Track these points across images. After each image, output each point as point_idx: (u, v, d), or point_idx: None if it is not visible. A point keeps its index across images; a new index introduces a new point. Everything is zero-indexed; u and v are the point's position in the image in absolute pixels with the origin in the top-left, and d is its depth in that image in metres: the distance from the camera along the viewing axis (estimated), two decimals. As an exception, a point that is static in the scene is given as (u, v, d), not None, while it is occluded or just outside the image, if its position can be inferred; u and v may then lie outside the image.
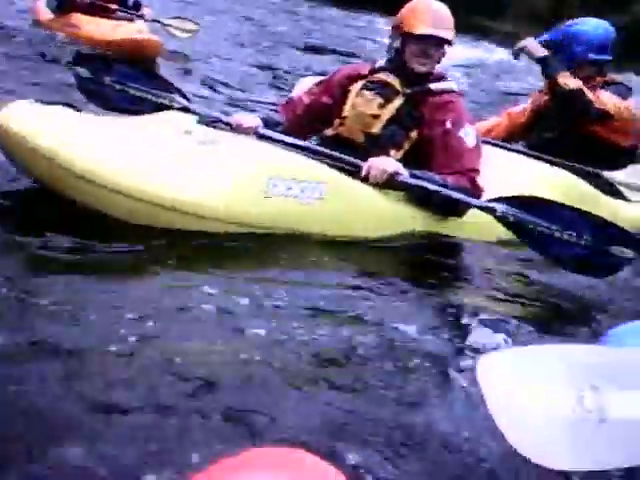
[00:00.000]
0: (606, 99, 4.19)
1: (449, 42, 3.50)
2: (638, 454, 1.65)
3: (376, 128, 3.49)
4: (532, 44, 4.35)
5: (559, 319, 2.92)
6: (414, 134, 3.46)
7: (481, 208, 3.22)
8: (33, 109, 2.98)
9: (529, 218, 3.08)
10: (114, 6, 7.79)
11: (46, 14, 7.80)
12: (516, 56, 4.49)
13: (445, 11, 3.53)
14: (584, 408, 1.59)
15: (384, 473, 1.66)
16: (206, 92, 6.33)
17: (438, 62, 3.55)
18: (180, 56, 8.08)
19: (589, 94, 4.15)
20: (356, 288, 2.75)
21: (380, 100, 3.51)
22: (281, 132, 3.55)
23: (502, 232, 3.30)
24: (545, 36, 4.44)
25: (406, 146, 3.47)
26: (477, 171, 3.39)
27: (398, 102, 3.49)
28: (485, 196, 3.36)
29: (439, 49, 3.50)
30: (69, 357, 1.91)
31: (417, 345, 2.32)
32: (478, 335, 2.44)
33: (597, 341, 2.17)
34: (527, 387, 1.61)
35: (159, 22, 8.13)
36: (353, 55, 10.74)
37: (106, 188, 2.77)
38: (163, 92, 3.63)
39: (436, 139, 3.42)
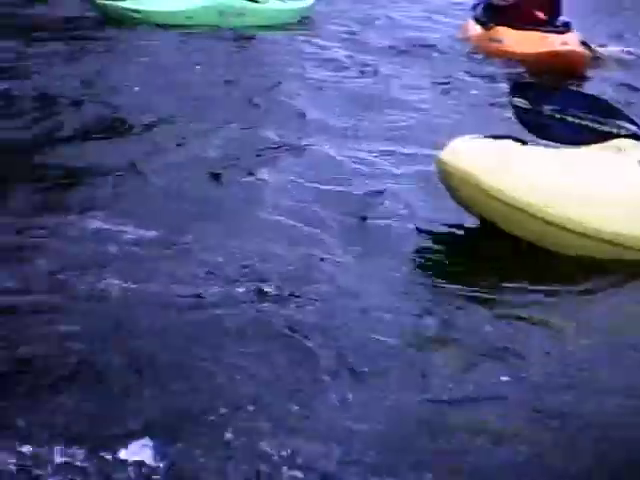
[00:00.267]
0: None
1: None
2: None
3: None
4: None
5: None
6: None
7: None
8: (478, 145, 2.95)
9: None
10: (542, 16, 7.52)
11: (474, 30, 8.05)
12: None
13: None
14: None
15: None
16: None
17: None
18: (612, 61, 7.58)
19: None
20: None
21: None
22: None
23: None
24: None
25: None
26: None
27: None
28: None
29: None
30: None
31: None
32: None
33: None
34: None
35: (587, 45, 7.57)
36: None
37: (556, 226, 2.73)
38: (608, 118, 3.40)
39: None
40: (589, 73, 7.09)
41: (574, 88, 4.28)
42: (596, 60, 7.60)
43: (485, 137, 2.95)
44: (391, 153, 4.20)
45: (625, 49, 8.03)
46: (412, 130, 4.57)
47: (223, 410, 2.14)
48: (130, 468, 1.90)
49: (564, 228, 2.66)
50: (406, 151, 4.11)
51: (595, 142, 3.26)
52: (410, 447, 2.04)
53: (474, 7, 8.17)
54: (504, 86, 5.86)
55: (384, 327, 2.55)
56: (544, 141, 3.47)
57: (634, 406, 2.23)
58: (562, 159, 2.94)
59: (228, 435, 2.03)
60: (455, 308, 2.68)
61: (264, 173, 3.84)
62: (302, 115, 5.04)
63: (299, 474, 1.91)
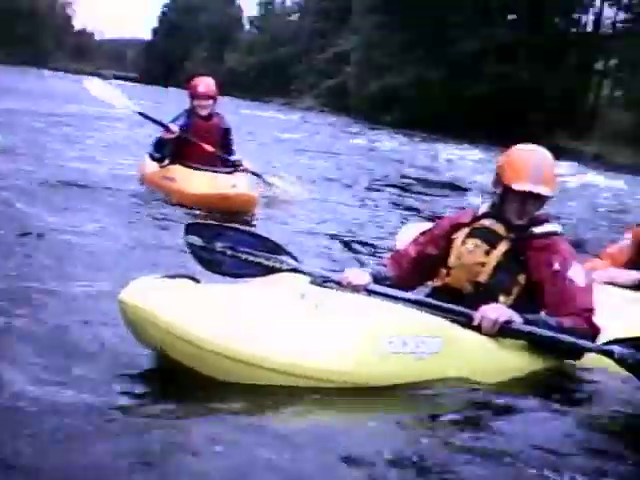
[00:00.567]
0: None
1: (549, 197, 3.52)
2: None
3: (483, 276, 3.50)
4: None
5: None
6: (522, 279, 3.47)
7: (598, 352, 3.20)
8: (156, 285, 3.03)
9: None
10: (211, 149, 7.65)
11: (150, 167, 7.91)
12: None
13: (545, 164, 3.54)
14: None
15: None
16: (309, 243, 6.29)
17: (535, 213, 3.56)
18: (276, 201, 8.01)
19: None
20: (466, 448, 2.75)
21: (485, 247, 3.52)
22: (390, 285, 3.60)
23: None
24: None
25: (515, 292, 3.47)
26: (592, 310, 3.35)
27: (503, 248, 3.50)
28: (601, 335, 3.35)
29: (537, 203, 3.52)
30: None
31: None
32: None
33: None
34: None
35: (261, 177, 8.10)
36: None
37: (227, 358, 2.82)
38: (272, 255, 3.74)
39: (546, 281, 3.42)
40: (259, 212, 7.40)
41: (243, 227, 4.45)
42: (269, 188, 8.14)
43: (163, 277, 3.08)
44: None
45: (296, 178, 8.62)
46: (86, 275, 4.35)
47: None
48: None
49: (232, 359, 2.81)
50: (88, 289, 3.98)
51: (262, 275, 3.62)
52: None
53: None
54: (174, 224, 6.13)
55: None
56: (220, 277, 3.76)
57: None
58: (231, 295, 3.15)
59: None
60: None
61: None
62: None
63: None
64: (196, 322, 2.85)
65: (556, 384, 3.41)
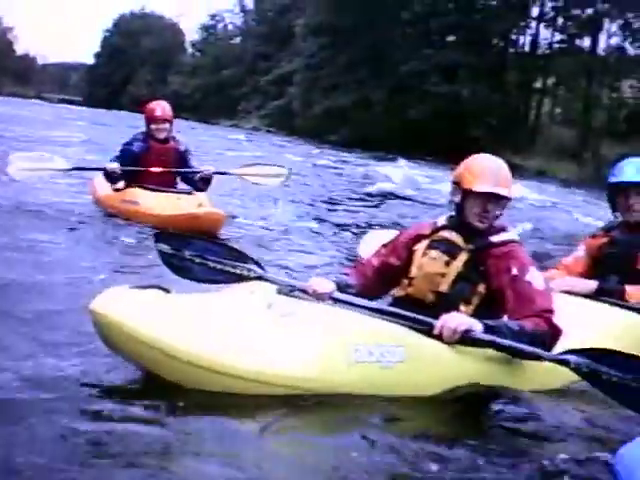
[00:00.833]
0: None
1: (508, 199, 3.63)
2: None
3: (444, 286, 3.59)
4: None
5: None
6: (482, 288, 3.56)
7: (555, 361, 3.28)
8: (126, 294, 3.07)
9: (603, 369, 3.12)
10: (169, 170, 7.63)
11: (104, 191, 7.74)
12: None
13: (504, 169, 3.67)
14: None
15: None
16: (273, 256, 6.37)
17: (496, 218, 3.67)
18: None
19: None
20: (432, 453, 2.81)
21: (445, 258, 3.61)
22: (354, 294, 3.68)
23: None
24: None
25: (476, 300, 3.56)
26: (552, 311, 3.44)
27: (463, 258, 3.60)
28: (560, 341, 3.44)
29: (498, 206, 3.63)
30: None
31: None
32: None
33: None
34: None
35: (227, 173, 8.07)
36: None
37: (196, 366, 2.89)
38: (239, 263, 3.84)
39: (505, 287, 3.51)
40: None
41: (210, 238, 4.78)
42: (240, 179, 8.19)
43: (133, 287, 3.13)
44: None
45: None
46: (57, 292, 4.40)
47: None
48: None
49: (203, 367, 2.89)
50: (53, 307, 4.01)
51: (231, 282, 3.76)
52: None
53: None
54: (139, 242, 6.26)
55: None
56: (191, 287, 3.84)
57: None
58: (200, 304, 3.21)
59: None
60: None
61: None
62: None
63: None
64: (165, 331, 2.91)
65: (517, 388, 3.48)
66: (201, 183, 7.77)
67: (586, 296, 4.36)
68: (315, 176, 16.82)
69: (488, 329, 3.32)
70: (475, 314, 3.48)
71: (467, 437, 2.99)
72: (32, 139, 15.62)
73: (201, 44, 79.62)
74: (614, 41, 39.86)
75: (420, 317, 3.39)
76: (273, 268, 4.35)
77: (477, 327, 3.31)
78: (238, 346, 2.96)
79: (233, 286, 3.66)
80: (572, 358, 3.20)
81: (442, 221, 3.81)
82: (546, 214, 12.63)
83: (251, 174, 8.24)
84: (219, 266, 3.86)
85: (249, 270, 3.82)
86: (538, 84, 42.33)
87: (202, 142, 17.70)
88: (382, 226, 8.49)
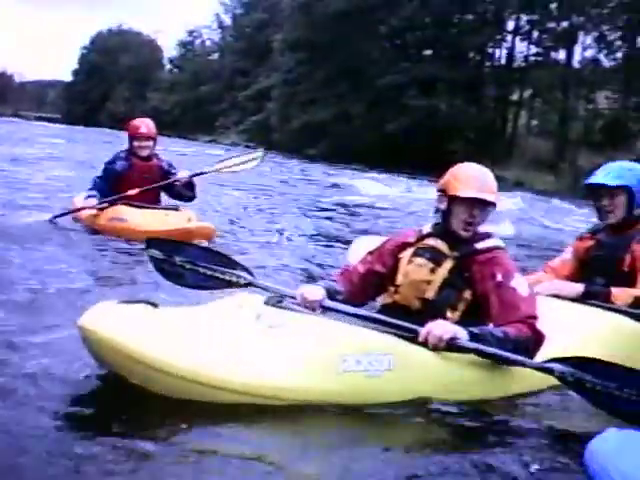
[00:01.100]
0: None
1: (493, 204, 3.68)
2: None
3: (430, 293, 3.63)
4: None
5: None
6: (467, 294, 3.60)
7: (539, 369, 3.31)
8: (114, 310, 3.08)
9: (587, 377, 3.15)
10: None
11: (86, 210, 7.50)
12: None
13: (489, 175, 3.73)
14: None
15: None
16: (260, 264, 6.30)
17: (481, 223, 3.71)
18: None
19: None
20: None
21: (430, 265, 3.65)
22: (341, 300, 3.71)
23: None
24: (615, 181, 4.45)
25: (461, 307, 3.60)
26: (536, 317, 3.47)
27: (448, 265, 3.64)
28: (545, 346, 3.48)
29: (483, 212, 3.67)
30: None
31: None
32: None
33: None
34: None
35: (204, 172, 7.91)
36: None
37: (185, 380, 2.90)
38: (229, 269, 3.89)
39: (490, 293, 3.54)
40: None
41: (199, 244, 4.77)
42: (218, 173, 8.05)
43: (121, 302, 3.14)
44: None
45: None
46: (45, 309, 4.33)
47: None
48: None
49: (192, 381, 2.89)
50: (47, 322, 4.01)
51: (221, 288, 3.83)
52: None
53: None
54: (126, 256, 6.23)
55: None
56: (177, 298, 3.91)
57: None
58: (188, 318, 3.23)
59: None
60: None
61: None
62: None
63: None
64: (154, 345, 2.91)
65: (503, 393, 3.53)
66: (186, 190, 7.70)
67: (573, 300, 4.38)
68: (293, 188, 16.96)
69: (473, 337, 3.34)
70: (461, 320, 3.52)
71: (455, 443, 3.02)
72: (7, 158, 15.43)
73: (179, 60, 79.65)
74: (589, 53, 40.35)
75: (406, 324, 3.41)
76: (260, 275, 4.33)
77: (462, 335, 3.33)
78: (227, 359, 2.97)
79: (221, 298, 3.64)
80: (556, 367, 3.23)
81: (427, 229, 3.85)
82: (523, 222, 12.74)
83: (227, 166, 8.06)
84: (209, 272, 3.89)
85: (238, 277, 3.86)
86: (515, 96, 42.71)
87: (183, 158, 17.64)
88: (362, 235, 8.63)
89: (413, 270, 3.69)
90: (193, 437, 2.78)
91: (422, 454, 2.90)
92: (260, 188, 15.13)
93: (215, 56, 75.18)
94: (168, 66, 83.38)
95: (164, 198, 7.90)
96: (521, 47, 43.15)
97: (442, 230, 3.74)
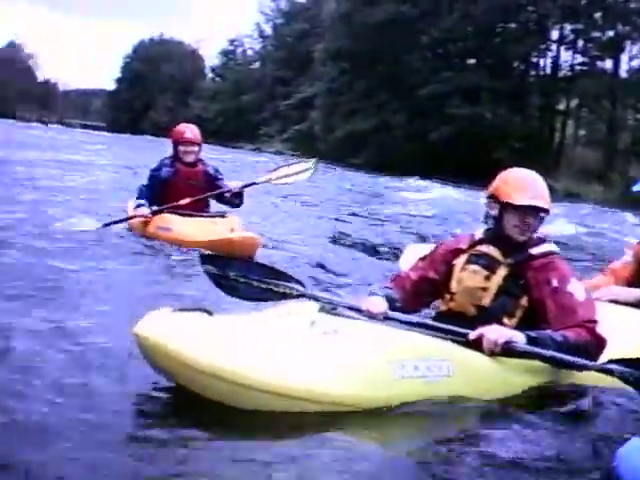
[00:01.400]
0: None
1: (547, 211, 3.63)
2: None
3: (486, 300, 3.60)
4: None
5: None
6: (524, 301, 3.56)
7: (599, 370, 3.28)
8: (170, 317, 3.10)
9: None
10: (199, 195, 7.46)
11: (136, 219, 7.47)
12: None
13: (541, 182, 3.67)
14: None
15: None
16: (310, 274, 6.23)
17: (535, 230, 3.66)
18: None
19: None
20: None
21: (485, 272, 3.63)
22: (396, 307, 3.72)
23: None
24: None
25: (518, 314, 3.56)
26: (595, 321, 3.42)
27: (503, 272, 3.61)
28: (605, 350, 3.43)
29: (537, 218, 3.63)
30: None
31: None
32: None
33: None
34: None
35: (256, 183, 7.76)
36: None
37: (241, 386, 2.89)
38: (281, 281, 3.93)
39: (546, 299, 3.50)
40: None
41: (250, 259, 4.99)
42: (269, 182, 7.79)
43: (176, 309, 3.17)
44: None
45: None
46: (101, 311, 4.43)
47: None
48: None
49: (248, 387, 2.89)
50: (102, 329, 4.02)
51: (275, 300, 3.85)
52: None
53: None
54: (181, 262, 6.23)
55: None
56: (231, 306, 3.94)
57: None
58: (243, 325, 3.24)
59: None
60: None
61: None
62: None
63: None
64: (209, 352, 2.92)
65: (562, 399, 3.44)
66: (234, 199, 7.69)
67: (631, 304, 4.36)
68: (339, 196, 16.94)
69: (531, 340, 3.30)
70: (519, 326, 3.47)
71: (515, 449, 2.94)
72: (55, 164, 15.67)
73: (221, 69, 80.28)
74: (636, 63, 39.74)
75: (459, 329, 3.40)
76: (311, 285, 4.43)
77: (519, 338, 3.30)
78: (283, 365, 2.97)
79: (275, 305, 3.69)
80: (616, 367, 3.20)
81: (479, 235, 3.81)
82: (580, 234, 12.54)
83: (279, 176, 7.85)
84: (263, 285, 3.95)
85: (291, 288, 3.89)
86: (561, 106, 42.20)
87: (228, 165, 17.71)
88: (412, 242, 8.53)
89: (467, 277, 3.66)
90: (243, 442, 2.81)
91: (484, 460, 2.81)
92: (306, 195, 15.09)
93: (256, 65, 75.60)
94: (210, 75, 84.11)
95: (212, 202, 7.89)
96: (566, 56, 42.73)
97: (495, 236, 3.71)
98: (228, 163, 20.84)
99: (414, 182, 24.50)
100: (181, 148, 7.63)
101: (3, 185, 10.82)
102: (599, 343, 3.38)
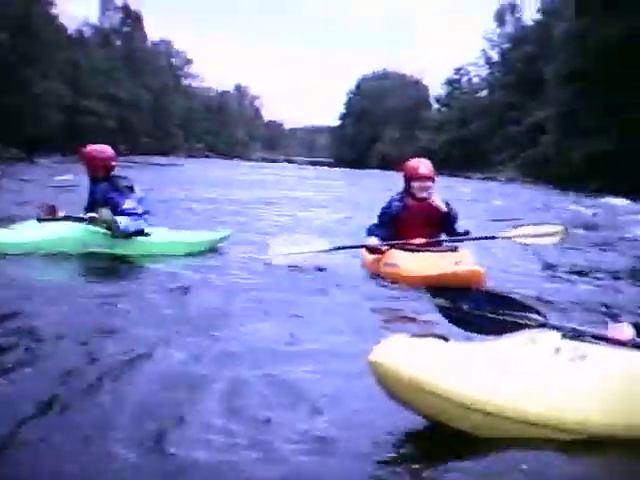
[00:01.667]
0: None
1: None
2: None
3: None
4: None
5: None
6: None
7: None
8: (406, 344, 3.04)
9: None
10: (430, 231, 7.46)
11: (369, 255, 7.63)
12: None
13: None
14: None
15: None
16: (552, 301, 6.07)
17: None
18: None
19: None
20: None
21: None
22: None
23: None
24: None
25: None
26: None
27: None
28: None
29: None
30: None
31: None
32: None
33: None
34: None
35: (495, 237, 7.57)
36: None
37: (487, 414, 2.83)
38: (519, 312, 3.72)
39: None
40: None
41: (483, 289, 4.86)
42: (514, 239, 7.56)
43: (412, 336, 3.11)
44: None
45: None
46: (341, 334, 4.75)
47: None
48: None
49: (493, 414, 2.83)
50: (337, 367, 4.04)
51: (511, 331, 3.58)
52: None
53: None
54: (409, 302, 6.06)
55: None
56: (464, 334, 3.84)
57: None
58: (483, 352, 3.17)
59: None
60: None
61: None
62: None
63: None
64: (452, 379, 2.87)
65: None
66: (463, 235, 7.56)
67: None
68: (579, 221, 15.61)
69: None
70: None
71: None
72: (284, 200, 16.32)
73: (446, 99, 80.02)
74: None
75: None
76: (552, 315, 4.04)
77: None
78: (530, 392, 2.91)
79: (513, 334, 3.50)
80: None
81: None
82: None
83: (521, 235, 7.54)
84: (499, 317, 3.76)
85: (529, 319, 3.67)
86: None
87: (462, 195, 16.97)
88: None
89: None
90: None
91: None
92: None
93: (484, 92, 74.44)
94: (435, 105, 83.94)
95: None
96: None
97: None
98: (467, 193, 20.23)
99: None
100: (415, 184, 7.51)
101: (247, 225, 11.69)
102: None
